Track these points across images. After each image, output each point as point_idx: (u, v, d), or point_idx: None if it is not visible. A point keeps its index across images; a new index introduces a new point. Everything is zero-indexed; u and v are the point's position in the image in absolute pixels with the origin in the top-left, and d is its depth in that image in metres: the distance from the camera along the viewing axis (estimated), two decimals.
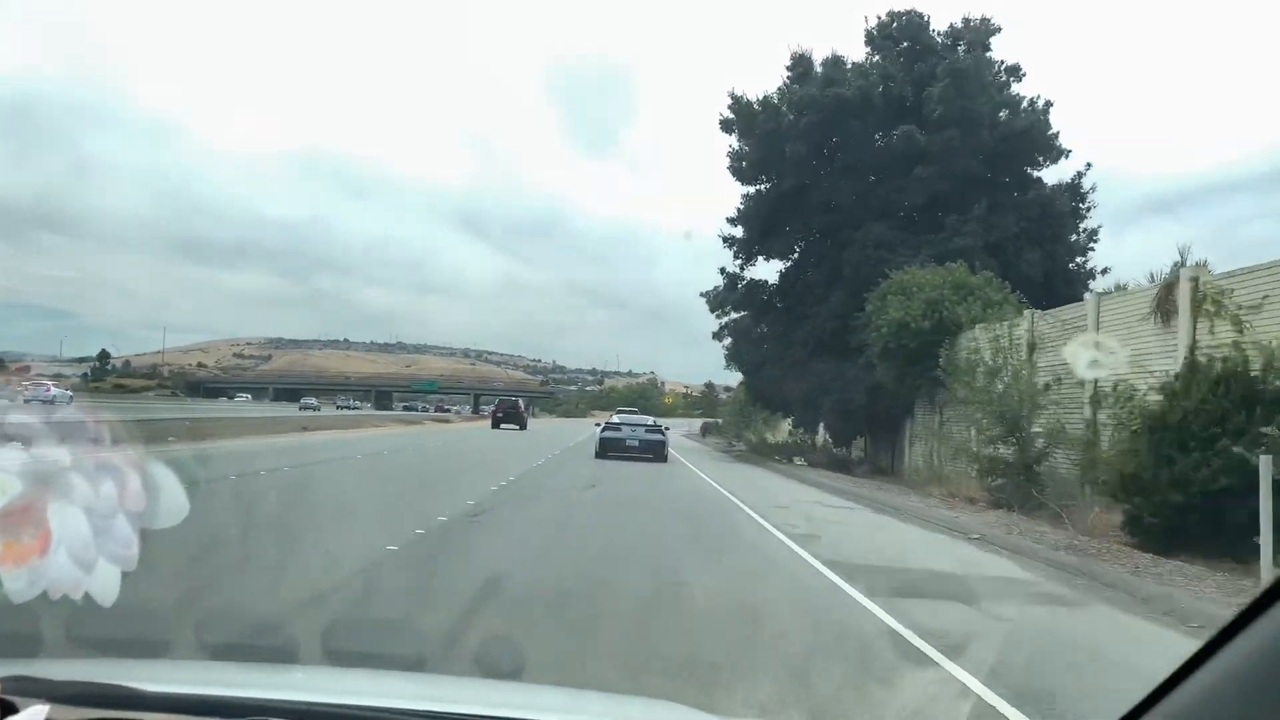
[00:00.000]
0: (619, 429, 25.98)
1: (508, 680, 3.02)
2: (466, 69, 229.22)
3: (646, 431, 26.07)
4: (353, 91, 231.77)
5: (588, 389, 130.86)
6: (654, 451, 25.14)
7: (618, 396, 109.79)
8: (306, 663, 3.17)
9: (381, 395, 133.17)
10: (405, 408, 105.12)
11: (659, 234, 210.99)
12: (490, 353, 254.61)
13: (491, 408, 60.39)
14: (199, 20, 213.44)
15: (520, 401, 60.78)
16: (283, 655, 3.34)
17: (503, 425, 49.60)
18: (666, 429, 29.18)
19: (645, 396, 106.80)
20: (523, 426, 51.59)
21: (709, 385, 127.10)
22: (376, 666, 2.84)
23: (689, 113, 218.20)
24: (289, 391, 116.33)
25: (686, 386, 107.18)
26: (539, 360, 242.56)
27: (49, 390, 43.68)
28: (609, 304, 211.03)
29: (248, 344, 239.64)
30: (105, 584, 1.80)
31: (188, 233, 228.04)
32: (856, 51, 30.95)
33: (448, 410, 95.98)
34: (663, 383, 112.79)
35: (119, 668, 1.98)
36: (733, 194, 42.61)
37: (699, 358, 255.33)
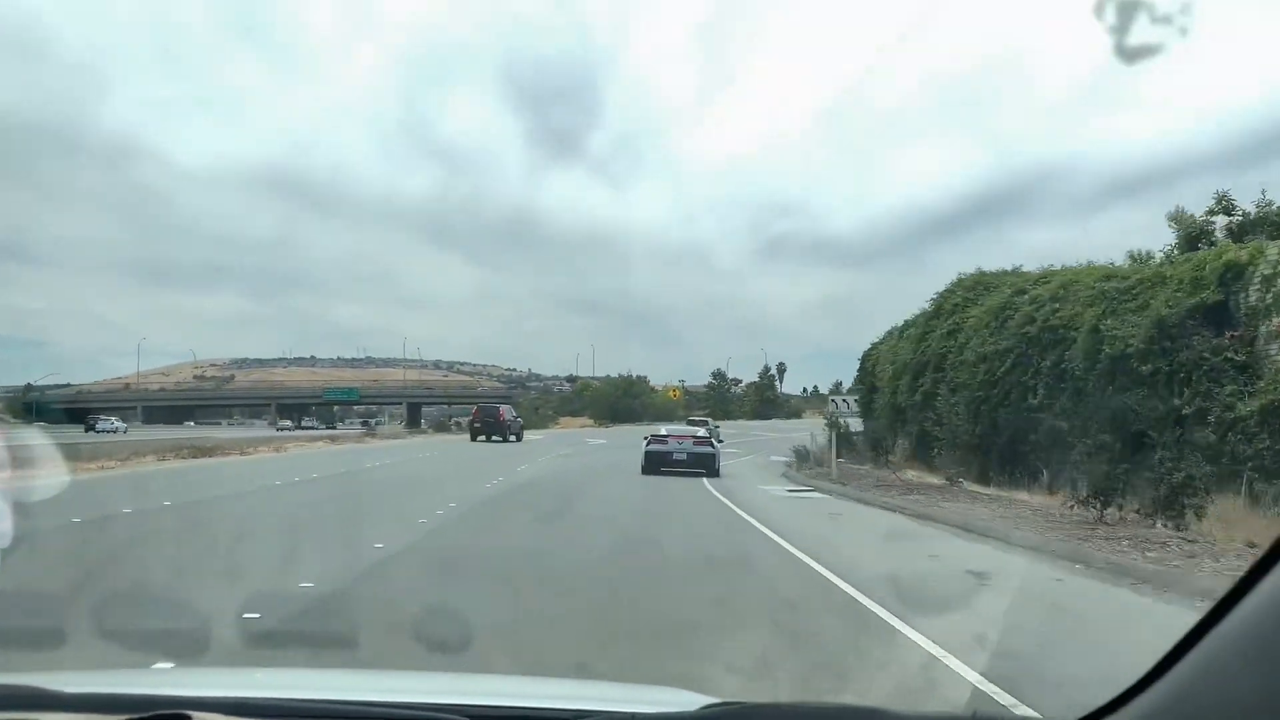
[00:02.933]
0: (665, 441, 25.13)
1: None
2: (427, 75, 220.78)
3: (694, 444, 24.98)
4: (316, 106, 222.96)
5: (554, 391, 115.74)
6: (704, 466, 23.96)
7: (594, 397, 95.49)
8: None
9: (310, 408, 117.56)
10: (364, 422, 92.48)
11: (632, 237, 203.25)
12: (462, 363, 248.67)
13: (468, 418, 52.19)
14: (157, 39, 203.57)
15: (504, 409, 49.92)
16: None
17: (483, 438, 43.62)
18: (720, 440, 28.15)
19: (631, 395, 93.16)
20: (504, 438, 44.10)
21: (718, 375, 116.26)
22: None
23: (656, 113, 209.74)
24: (185, 410, 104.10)
25: (682, 382, 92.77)
26: (514, 369, 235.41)
27: None
28: (583, 309, 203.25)
29: (211, 365, 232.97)
30: None
31: (154, 256, 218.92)
32: None
33: (371, 422, 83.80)
34: (647, 380, 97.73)
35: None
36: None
37: (679, 358, 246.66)
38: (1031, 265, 23.44)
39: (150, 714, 1.46)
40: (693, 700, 1.94)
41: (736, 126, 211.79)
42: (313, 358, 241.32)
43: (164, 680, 2.27)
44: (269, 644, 5.77)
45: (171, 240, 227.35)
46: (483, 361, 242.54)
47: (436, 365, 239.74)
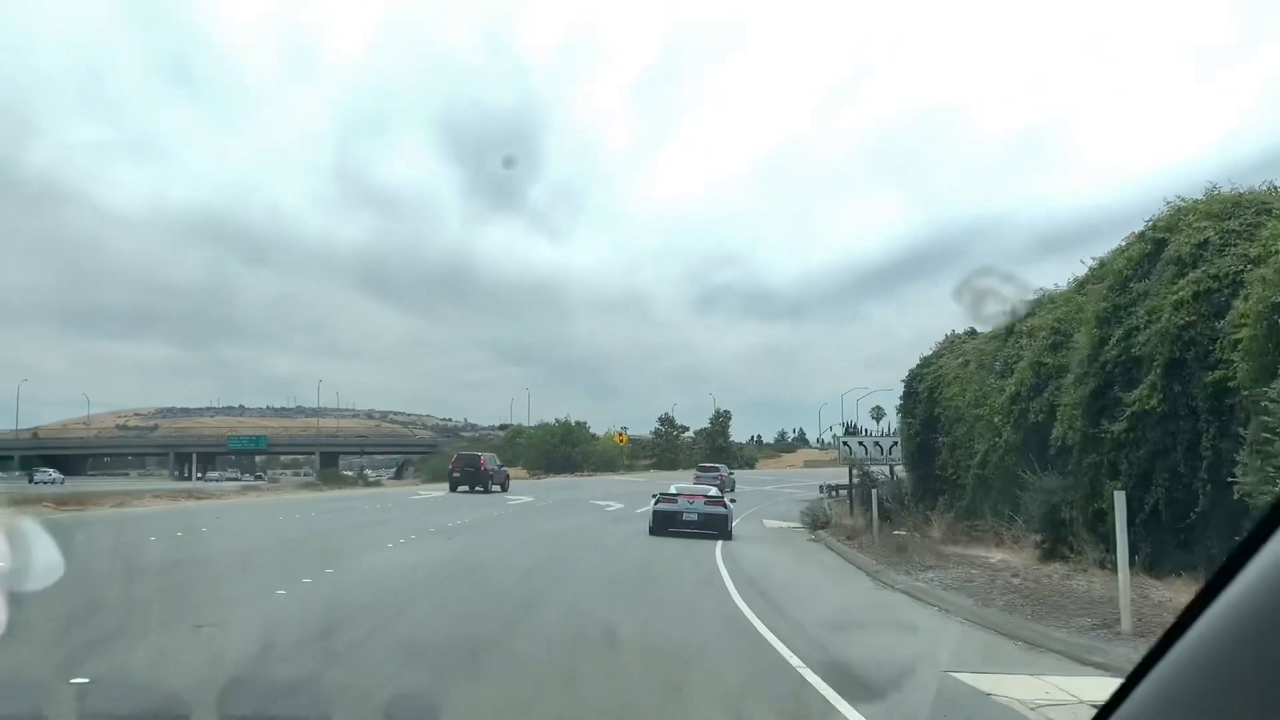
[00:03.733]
0: (675, 500, 23.14)
1: None
2: (364, 123, 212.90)
3: (706, 504, 23.08)
4: (251, 151, 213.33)
5: (486, 439, 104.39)
6: (716, 528, 22.14)
7: (529, 444, 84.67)
8: None
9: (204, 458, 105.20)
10: (257, 475, 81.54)
11: (571, 286, 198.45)
12: (396, 413, 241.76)
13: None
14: (85, 81, 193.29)
15: (485, 457, 46.00)
16: None
17: (465, 488, 41.44)
18: (733, 500, 25.31)
19: (570, 442, 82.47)
20: (485, 489, 41.61)
21: (666, 421, 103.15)
22: None
23: (597, 163, 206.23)
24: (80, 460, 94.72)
25: (624, 428, 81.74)
26: (449, 419, 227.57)
27: None
28: (522, 359, 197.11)
29: (135, 414, 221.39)
30: None
31: (79, 302, 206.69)
32: None
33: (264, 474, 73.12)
34: (587, 426, 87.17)
35: None
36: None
37: (619, 408, 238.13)
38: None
39: None
40: None
41: (677, 178, 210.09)
42: (241, 407, 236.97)
43: None
44: None
45: (98, 286, 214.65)
46: (417, 411, 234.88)
47: (369, 415, 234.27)
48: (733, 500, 25.68)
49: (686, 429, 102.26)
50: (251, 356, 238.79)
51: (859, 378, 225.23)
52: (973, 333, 22.01)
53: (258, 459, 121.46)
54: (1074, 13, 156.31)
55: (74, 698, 5.65)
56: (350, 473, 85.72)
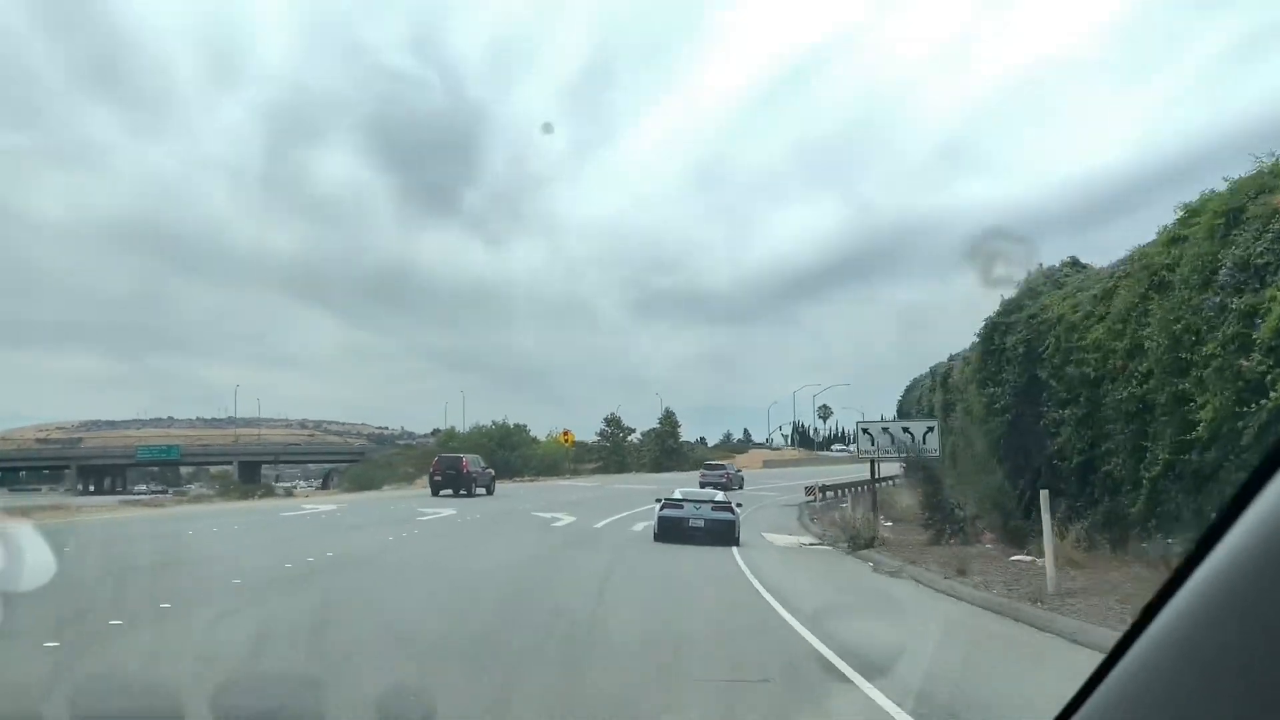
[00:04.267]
0: (680, 506, 22.14)
1: None
2: (296, 129, 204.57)
3: (713, 509, 22.03)
4: (179, 159, 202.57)
5: (419, 445, 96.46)
6: (723, 536, 21.16)
7: (462, 448, 77.22)
8: None
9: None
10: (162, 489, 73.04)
11: (510, 293, 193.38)
12: (331, 422, 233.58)
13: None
14: (3, 87, 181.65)
15: (467, 459, 45.28)
16: None
17: (449, 492, 41.33)
18: (739, 505, 24.01)
19: (509, 445, 75.07)
20: (469, 492, 41.39)
21: (612, 422, 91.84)
22: None
23: (533, 169, 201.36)
24: None
25: (566, 432, 73.62)
26: (385, 427, 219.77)
27: None
28: (461, 366, 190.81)
29: (57, 427, 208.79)
30: None
31: (1, 314, 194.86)
32: None
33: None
34: (527, 429, 79.89)
35: None
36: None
37: (560, 413, 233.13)
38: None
39: None
40: None
41: (614, 184, 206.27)
42: (170, 418, 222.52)
43: None
44: None
45: (21, 297, 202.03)
46: (353, 420, 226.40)
47: (303, 425, 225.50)
48: (738, 505, 24.00)
49: (633, 430, 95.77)
50: (183, 367, 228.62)
51: (798, 380, 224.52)
52: (1076, 263, 15.85)
53: (184, 470, 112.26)
54: (1002, 19, 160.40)
55: None
56: (283, 484, 78.78)
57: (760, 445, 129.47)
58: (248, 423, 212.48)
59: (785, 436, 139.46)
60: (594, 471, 77.82)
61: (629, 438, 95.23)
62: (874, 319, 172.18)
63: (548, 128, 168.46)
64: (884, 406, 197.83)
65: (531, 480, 62.43)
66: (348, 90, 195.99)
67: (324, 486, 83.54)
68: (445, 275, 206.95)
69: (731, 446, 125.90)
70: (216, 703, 5.70)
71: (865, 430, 20.44)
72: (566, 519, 26.70)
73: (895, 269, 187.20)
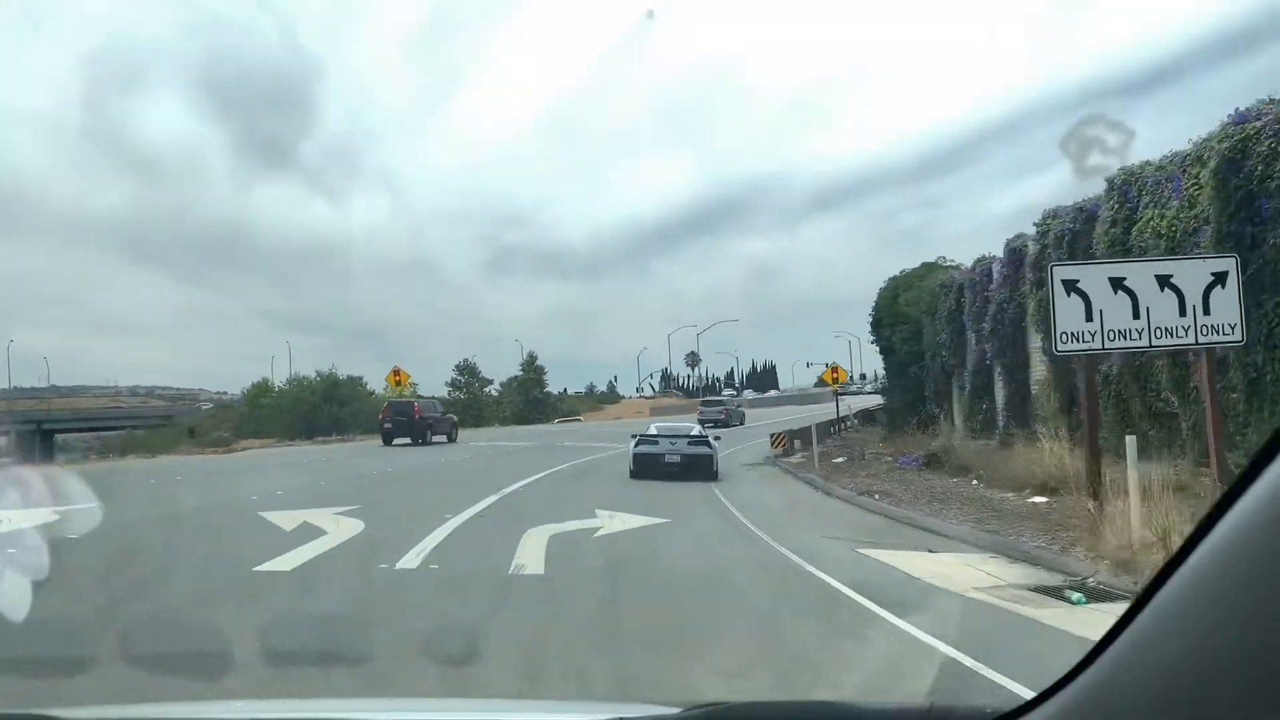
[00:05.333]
0: (655, 442, 21.31)
1: None
2: (117, 79, 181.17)
3: (689, 444, 21.13)
4: None
5: (231, 403, 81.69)
6: (700, 469, 20.33)
7: (280, 406, 62.13)
8: None
9: None
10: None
11: (355, 249, 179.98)
12: (165, 388, 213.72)
13: None
14: None
15: (419, 404, 40.12)
16: None
17: (407, 440, 36.59)
18: (718, 438, 23.30)
19: (337, 400, 60.21)
20: (425, 440, 36.97)
21: (467, 370, 76.52)
22: None
23: (375, 121, 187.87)
24: None
25: (397, 370, 57.44)
26: (224, 392, 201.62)
27: None
28: (305, 327, 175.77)
29: None
30: None
31: None
32: None
33: None
34: (363, 381, 66.07)
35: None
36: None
37: (412, 372, 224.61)
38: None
39: None
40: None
41: (461, 137, 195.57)
42: None
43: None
44: None
45: None
46: (191, 385, 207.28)
47: (134, 391, 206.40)
48: (717, 438, 22.86)
49: (491, 381, 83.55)
50: None
51: (658, 334, 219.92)
52: None
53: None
54: None
55: None
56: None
57: (628, 397, 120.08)
58: (73, 391, 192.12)
59: (654, 386, 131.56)
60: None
61: (487, 389, 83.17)
62: (728, 272, 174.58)
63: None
64: (755, 353, 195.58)
65: (359, 439, 49.47)
66: (174, 38, 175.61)
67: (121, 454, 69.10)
68: (286, 233, 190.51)
69: (598, 398, 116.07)
70: None
71: (1075, 285, 9.74)
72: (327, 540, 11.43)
73: (744, 223, 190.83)
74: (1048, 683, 1.41)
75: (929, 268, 28.04)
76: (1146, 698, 1.12)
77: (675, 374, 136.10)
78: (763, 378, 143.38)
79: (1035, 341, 18.46)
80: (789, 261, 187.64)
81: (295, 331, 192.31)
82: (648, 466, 20.32)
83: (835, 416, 34.38)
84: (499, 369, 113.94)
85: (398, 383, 47.80)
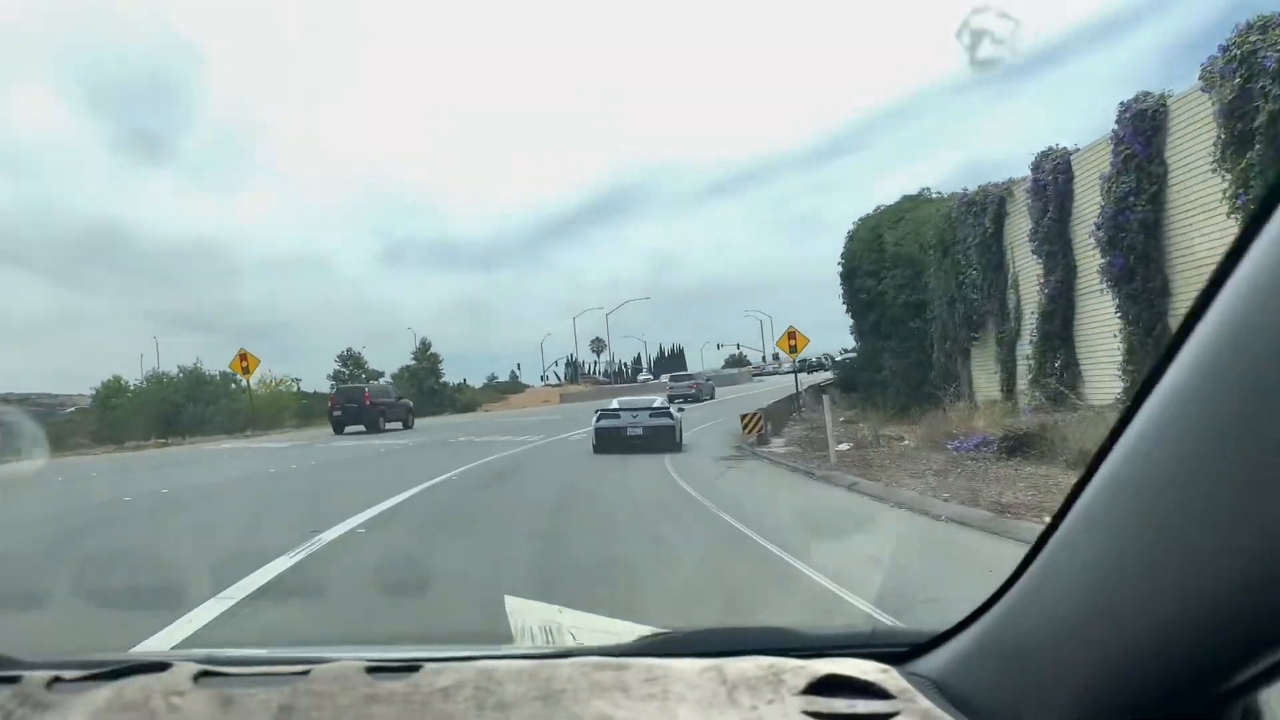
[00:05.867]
0: (617, 416, 21.13)
1: None
2: None
3: (651, 416, 21.02)
4: None
5: (74, 402, 72.90)
6: (663, 440, 20.28)
7: (134, 406, 54.32)
8: None
9: None
10: None
11: (240, 246, 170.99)
12: (40, 394, 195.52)
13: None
14: None
15: (369, 389, 41.27)
16: None
17: (361, 428, 37.06)
18: (682, 409, 24.68)
19: (201, 398, 53.18)
20: (377, 428, 37.26)
21: (352, 360, 73.72)
22: None
23: (260, 114, 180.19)
24: None
25: (243, 354, 49.01)
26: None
27: None
28: (189, 326, 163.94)
29: None
30: None
31: None
32: None
33: None
34: (235, 378, 58.78)
35: None
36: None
37: (303, 370, 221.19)
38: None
39: (130, 663, 1.44)
40: (630, 630, 2.10)
41: (353, 130, 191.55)
42: None
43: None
44: None
45: None
46: (66, 391, 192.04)
47: (6, 399, 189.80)
48: (680, 409, 23.45)
49: (381, 374, 76.93)
50: None
51: (557, 323, 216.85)
52: None
53: None
54: None
55: None
56: None
57: (533, 386, 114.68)
58: None
59: (559, 374, 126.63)
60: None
61: (375, 381, 76.55)
62: (629, 261, 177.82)
63: None
64: (663, 338, 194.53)
65: (235, 438, 42.73)
66: (35, 23, 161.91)
67: None
68: (167, 231, 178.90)
69: (501, 387, 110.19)
70: None
71: None
72: None
73: (641, 210, 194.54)
74: None
75: (913, 201, 23.55)
76: (1068, 608, 1.08)
77: (581, 360, 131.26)
78: (671, 361, 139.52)
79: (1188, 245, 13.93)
80: (689, 247, 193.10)
81: (181, 331, 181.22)
82: (610, 441, 20.48)
83: (794, 392, 30.62)
84: (392, 361, 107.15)
85: (244, 369, 41.83)
